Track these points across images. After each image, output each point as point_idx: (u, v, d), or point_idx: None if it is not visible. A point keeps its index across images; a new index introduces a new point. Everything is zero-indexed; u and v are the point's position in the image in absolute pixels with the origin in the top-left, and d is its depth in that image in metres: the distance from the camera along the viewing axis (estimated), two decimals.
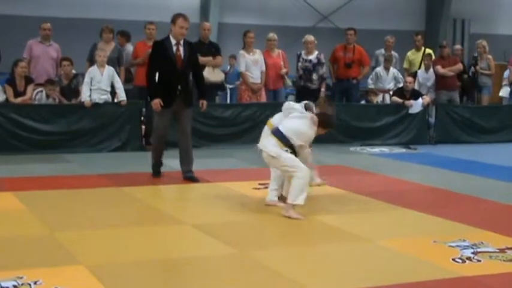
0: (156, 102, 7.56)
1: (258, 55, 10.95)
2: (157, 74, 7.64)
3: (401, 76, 12.26)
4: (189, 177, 7.68)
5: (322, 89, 11.55)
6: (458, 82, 12.35)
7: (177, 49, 7.57)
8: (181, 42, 7.61)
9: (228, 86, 13.27)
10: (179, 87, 7.58)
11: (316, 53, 11.30)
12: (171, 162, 8.19)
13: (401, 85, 11.82)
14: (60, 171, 8.20)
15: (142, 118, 10.41)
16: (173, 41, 7.57)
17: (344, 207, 6.45)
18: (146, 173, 7.99)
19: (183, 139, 7.76)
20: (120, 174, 8.06)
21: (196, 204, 6.53)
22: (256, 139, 6.53)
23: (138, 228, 5.58)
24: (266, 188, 6.71)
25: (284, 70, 11.13)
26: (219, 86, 11.39)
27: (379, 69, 12.18)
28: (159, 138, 7.84)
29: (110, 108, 9.99)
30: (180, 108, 7.65)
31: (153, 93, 7.64)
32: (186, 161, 7.76)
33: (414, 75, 12.24)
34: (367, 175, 8.41)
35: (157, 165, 7.92)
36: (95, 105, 9.81)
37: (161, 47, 7.62)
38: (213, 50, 10.76)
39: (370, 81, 12.19)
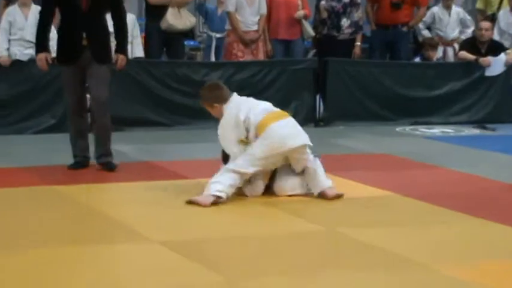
0: (41, 58, 7.88)
1: None
2: (58, 20, 7.95)
3: (470, 18, 12.23)
4: (103, 162, 7.97)
5: (358, 42, 11.55)
6: None
7: None
8: None
9: (215, 35, 13.22)
10: (84, 35, 7.79)
11: None
12: (123, 147, 8.32)
13: (470, 33, 11.79)
14: None
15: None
16: None
17: (387, 217, 6.49)
18: (90, 164, 8.07)
19: (95, 110, 8.03)
20: (52, 167, 8.10)
21: (166, 212, 6.52)
22: None
23: (79, 248, 5.53)
24: None
25: (302, 12, 11.16)
26: (187, 35, 11.40)
27: (437, 9, 12.23)
28: (75, 115, 8.01)
29: (39, 69, 9.94)
30: (88, 64, 7.85)
31: (39, 45, 7.93)
32: (99, 141, 8.00)
33: (492, 19, 12.19)
34: (422, 168, 8.47)
35: (79, 156, 8.01)
36: (16, 63, 9.85)
37: None
38: None
39: (421, 25, 12.22)
